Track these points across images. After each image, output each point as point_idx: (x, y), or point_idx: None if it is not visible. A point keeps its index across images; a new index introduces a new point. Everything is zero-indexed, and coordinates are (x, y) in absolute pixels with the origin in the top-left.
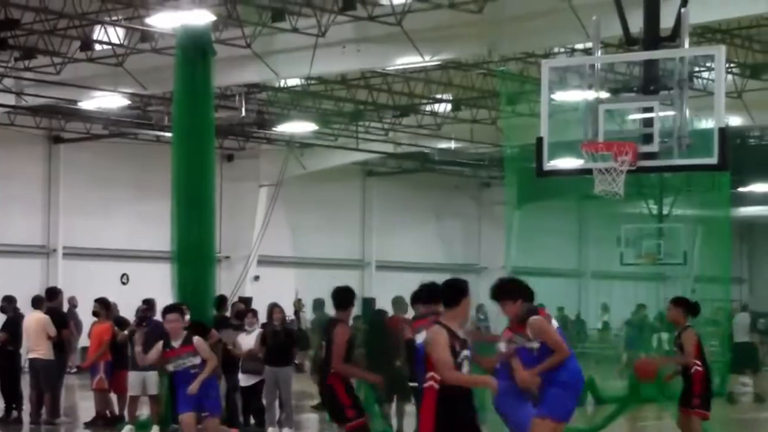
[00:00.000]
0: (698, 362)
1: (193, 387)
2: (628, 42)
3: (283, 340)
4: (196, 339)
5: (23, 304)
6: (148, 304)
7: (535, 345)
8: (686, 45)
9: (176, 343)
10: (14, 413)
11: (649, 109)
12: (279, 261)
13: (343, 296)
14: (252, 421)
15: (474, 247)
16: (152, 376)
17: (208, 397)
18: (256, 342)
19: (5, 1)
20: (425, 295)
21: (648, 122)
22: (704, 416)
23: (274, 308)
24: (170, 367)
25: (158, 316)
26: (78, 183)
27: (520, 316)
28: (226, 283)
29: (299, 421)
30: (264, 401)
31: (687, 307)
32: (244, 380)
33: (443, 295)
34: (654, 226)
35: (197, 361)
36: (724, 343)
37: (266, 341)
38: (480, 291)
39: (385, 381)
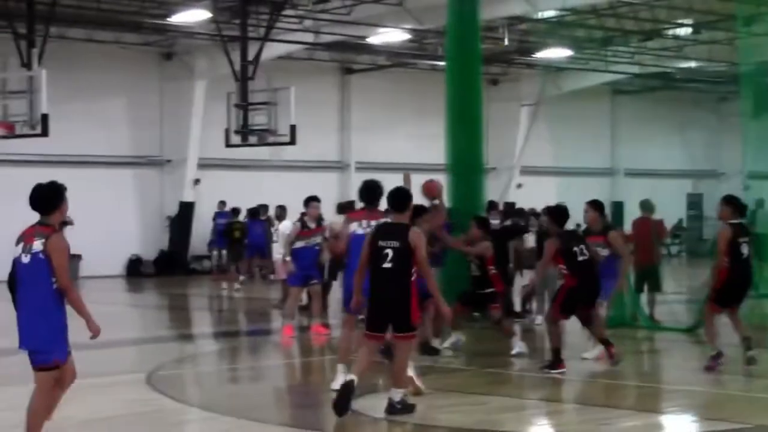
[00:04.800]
0: None
1: None
2: None
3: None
4: None
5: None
6: None
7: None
8: None
9: None
10: None
11: None
12: (539, 171)
13: None
14: None
15: (714, 154)
16: None
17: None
18: None
19: None
20: None
21: None
22: None
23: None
24: None
25: None
26: (367, 107)
27: None
28: (493, 191)
29: None
30: None
31: None
32: None
33: None
34: None
35: None
36: None
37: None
38: (719, 195)
39: None
